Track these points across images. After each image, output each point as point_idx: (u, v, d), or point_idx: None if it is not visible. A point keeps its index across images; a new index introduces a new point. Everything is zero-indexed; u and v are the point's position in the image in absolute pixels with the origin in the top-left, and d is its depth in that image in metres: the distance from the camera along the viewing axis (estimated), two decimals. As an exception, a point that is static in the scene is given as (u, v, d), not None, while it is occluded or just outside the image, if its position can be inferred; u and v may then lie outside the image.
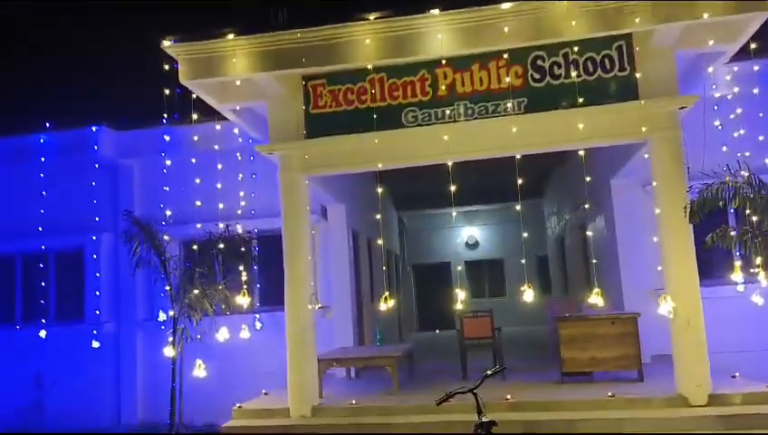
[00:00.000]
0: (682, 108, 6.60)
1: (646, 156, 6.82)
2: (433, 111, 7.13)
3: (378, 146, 7.16)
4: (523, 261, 7.09)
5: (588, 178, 6.62)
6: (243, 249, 8.61)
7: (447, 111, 7.09)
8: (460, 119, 7.05)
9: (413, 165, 7.53)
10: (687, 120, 6.97)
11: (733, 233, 5.52)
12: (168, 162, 8.91)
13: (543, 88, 6.93)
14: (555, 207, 16.58)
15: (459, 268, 21.79)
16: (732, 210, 7.04)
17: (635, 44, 6.78)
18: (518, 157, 6.99)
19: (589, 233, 11.84)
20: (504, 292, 21.10)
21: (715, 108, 8.02)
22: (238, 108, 7.86)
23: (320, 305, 7.02)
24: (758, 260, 5.48)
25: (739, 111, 7.19)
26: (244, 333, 8.08)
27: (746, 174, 5.46)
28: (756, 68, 7.74)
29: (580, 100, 6.68)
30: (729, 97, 8.17)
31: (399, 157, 7.35)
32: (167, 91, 7.41)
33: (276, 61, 6.78)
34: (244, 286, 7.55)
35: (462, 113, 7.07)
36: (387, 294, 6.26)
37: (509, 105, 6.93)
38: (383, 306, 6.13)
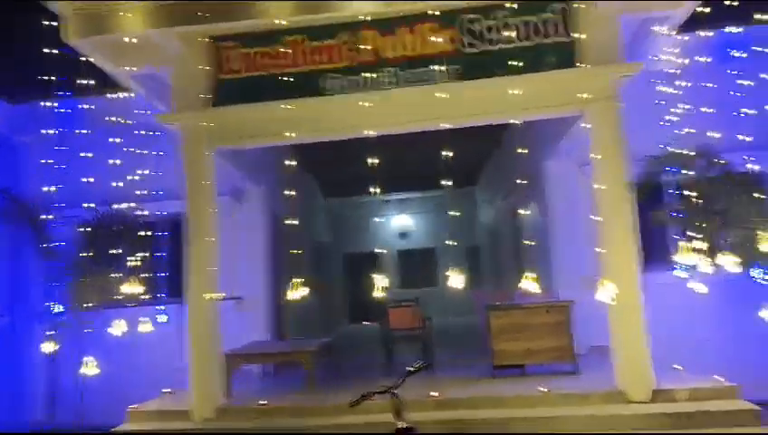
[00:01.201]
0: (625, 76, 6.15)
1: (586, 126, 6.33)
2: (357, 78, 6.47)
3: (295, 116, 6.47)
4: (451, 243, 6.45)
5: (523, 151, 6.10)
6: (144, 234, 7.75)
7: (373, 78, 6.45)
8: (387, 87, 6.42)
9: (335, 138, 6.86)
10: (628, 94, 6.55)
11: (674, 214, 5.07)
12: (64, 138, 7.92)
13: (478, 54, 6.38)
14: (489, 195, 16.23)
15: (380, 252, 21.22)
16: (671, 190, 6.65)
17: (576, 7, 6.30)
18: (449, 127, 6.39)
19: (521, 218, 11.47)
20: (437, 282, 20.71)
21: (657, 80, 7.69)
22: (138, 73, 6.96)
23: (223, 296, 6.24)
24: (704, 245, 5.05)
25: (684, 84, 6.79)
26: (145, 326, 7.24)
27: (693, 153, 5.01)
28: (704, 35, 7.41)
29: (518, 66, 6.14)
30: (673, 71, 7.86)
31: (320, 128, 6.66)
32: (61, 60, 6.47)
33: (176, 16, 5.97)
34: (140, 274, 6.75)
35: (389, 81, 6.44)
36: (296, 281, 5.57)
37: (441, 71, 6.33)
38: (291, 295, 5.43)
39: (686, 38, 7.23)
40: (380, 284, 5.45)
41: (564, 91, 6.26)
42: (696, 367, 7.00)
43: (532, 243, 9.46)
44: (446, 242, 19.50)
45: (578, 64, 6.22)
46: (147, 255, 7.67)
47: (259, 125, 6.63)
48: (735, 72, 7.87)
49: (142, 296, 6.90)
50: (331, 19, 6.43)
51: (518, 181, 11.34)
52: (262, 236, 9.61)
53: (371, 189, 6.16)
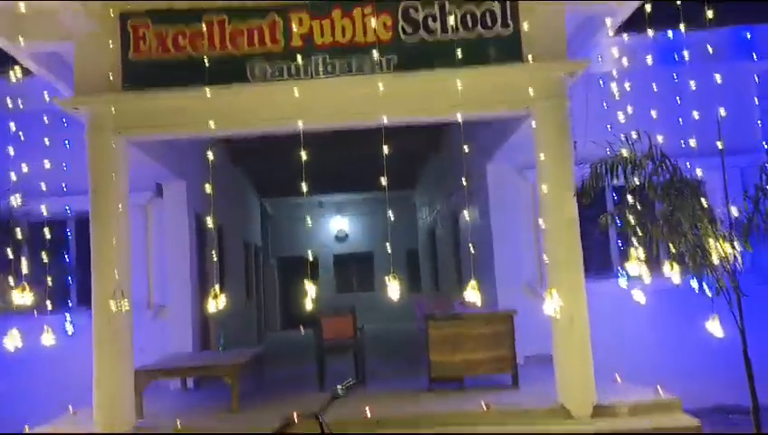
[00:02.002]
0: (570, 74, 5.83)
1: (532, 124, 5.96)
2: (285, 65, 5.94)
3: (215, 104, 5.88)
4: (389, 247, 5.97)
5: (464, 153, 5.71)
6: (45, 233, 6.98)
7: (303, 66, 5.92)
8: (318, 75, 5.91)
9: (260, 131, 6.33)
10: (570, 94, 6.24)
11: (630, 217, 4.72)
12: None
13: (416, 44, 5.94)
14: (427, 198, 15.89)
15: (315, 255, 20.64)
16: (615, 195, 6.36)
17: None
18: (384, 122, 5.91)
19: (461, 223, 11.13)
20: (373, 286, 20.28)
21: (600, 82, 7.44)
22: (39, 51, 6.23)
23: (126, 305, 5.59)
24: (644, 253, 4.71)
25: (628, 85, 6.51)
26: (47, 338, 6.48)
27: (639, 156, 4.67)
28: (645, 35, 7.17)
29: (459, 59, 5.72)
30: (614, 72, 7.63)
31: (243, 119, 6.09)
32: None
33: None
34: (42, 279, 6.01)
35: (320, 69, 5.93)
36: (216, 288, 4.98)
37: (376, 61, 5.86)
38: (212, 305, 4.85)
39: (626, 37, 6.97)
40: (311, 293, 4.90)
41: (509, 87, 5.90)
42: (638, 377, 6.76)
43: (472, 249, 9.11)
44: (385, 245, 19.14)
45: (521, 59, 5.87)
46: (47, 257, 6.92)
47: (175, 113, 6.01)
48: (677, 76, 7.71)
49: (42, 305, 6.17)
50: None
51: (458, 184, 11.02)
52: (186, 236, 8.94)
53: (307, 190, 5.65)
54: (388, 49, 5.92)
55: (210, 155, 5.70)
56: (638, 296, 5.87)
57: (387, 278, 4.69)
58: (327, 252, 21.72)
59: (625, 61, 6.82)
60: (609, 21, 6.23)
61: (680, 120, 6.26)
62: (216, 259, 10.81)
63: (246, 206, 15.81)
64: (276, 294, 20.49)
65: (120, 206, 5.91)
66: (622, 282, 7.34)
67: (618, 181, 4.88)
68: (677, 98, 7.35)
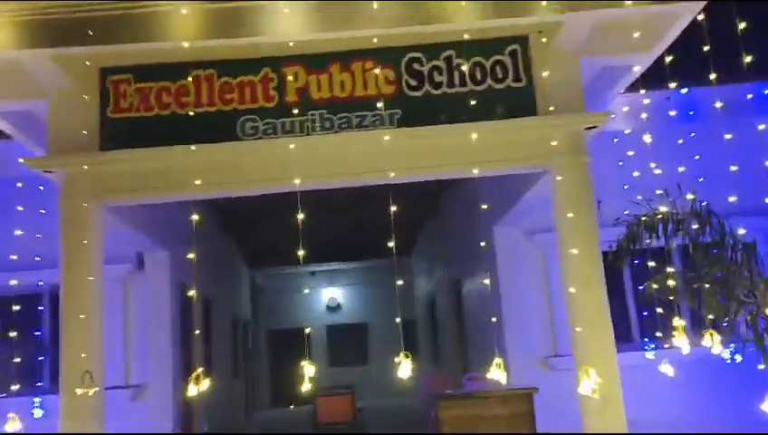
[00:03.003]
0: (590, 128, 5.41)
1: (546, 183, 5.51)
2: (279, 122, 5.49)
3: (202, 164, 5.41)
4: (398, 320, 5.38)
5: (483, 206, 5.25)
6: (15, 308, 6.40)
7: (298, 123, 5.49)
8: (315, 132, 5.47)
9: (252, 192, 5.82)
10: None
11: (670, 282, 4.21)
12: None
13: (421, 98, 5.53)
14: (426, 266, 15.35)
15: (307, 329, 19.91)
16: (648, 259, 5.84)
17: (532, 49, 5.59)
18: (386, 181, 5.45)
19: (465, 293, 10.59)
20: (367, 360, 19.51)
21: (616, 141, 7.09)
22: (9, 109, 5.78)
23: (94, 389, 4.95)
24: (708, 316, 4.20)
25: (648, 139, 6.10)
26: (13, 424, 5.80)
27: (690, 199, 4.20)
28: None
29: (467, 114, 5.31)
30: (626, 132, 7.28)
31: (233, 181, 5.59)
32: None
33: (48, 34, 4.90)
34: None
35: (317, 126, 5.49)
36: (200, 371, 4.39)
37: (378, 116, 5.45)
38: (193, 389, 4.25)
39: (643, 91, 6.63)
40: (308, 372, 4.32)
41: (524, 143, 5.46)
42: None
43: (476, 323, 8.55)
44: (379, 316, 18.41)
45: (536, 113, 5.47)
46: (17, 334, 6.36)
47: (157, 175, 5.51)
48: (694, 134, 7.37)
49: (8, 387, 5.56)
50: (247, 52, 5.51)
51: (460, 251, 10.53)
52: (167, 311, 8.35)
53: (298, 259, 5.16)
54: (392, 103, 5.50)
55: (196, 222, 5.17)
56: (667, 370, 5.33)
57: (398, 357, 4.12)
58: (319, 324, 21.03)
59: (644, 116, 6.47)
60: (624, 74, 5.91)
61: (701, 179, 5.85)
62: (200, 335, 10.18)
63: (236, 278, 15.22)
64: (266, 370, 19.65)
65: (92, 278, 5.34)
66: (649, 354, 6.83)
67: (655, 242, 4.39)
68: (697, 157, 7.01)
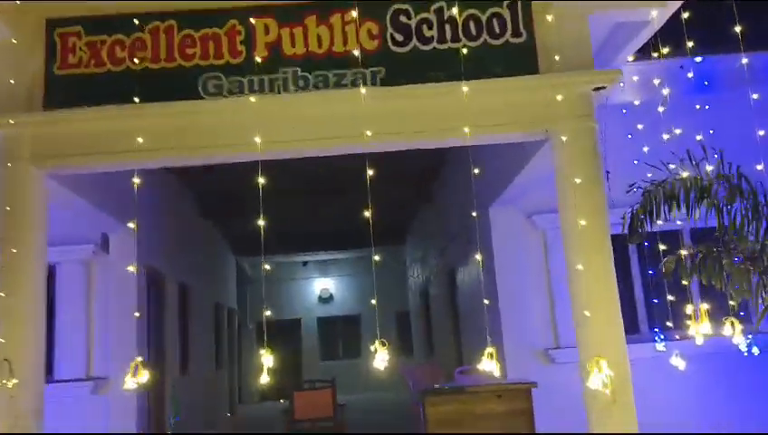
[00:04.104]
0: (598, 89, 4.83)
1: (548, 153, 4.94)
2: (247, 80, 4.91)
3: (160, 127, 4.85)
4: (374, 303, 4.82)
5: (476, 171, 4.70)
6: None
7: (268, 81, 4.91)
8: (287, 92, 4.89)
9: (215, 159, 5.24)
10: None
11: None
12: None
13: (408, 54, 4.95)
14: (420, 254, 14.79)
15: (297, 320, 19.47)
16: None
17: (533, 1, 5.01)
18: (369, 149, 4.87)
19: (459, 281, 10.03)
20: (360, 353, 19.01)
21: (624, 111, 6.52)
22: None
23: (13, 381, 4.34)
24: (734, 299, 3.62)
25: (661, 109, 5.50)
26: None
27: (717, 163, 3.60)
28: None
29: (460, 71, 4.73)
30: (636, 103, 6.70)
31: (193, 145, 4.99)
32: None
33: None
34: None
35: (290, 84, 4.91)
36: (139, 360, 3.83)
37: (359, 74, 4.87)
38: (131, 383, 3.70)
39: (661, 52, 6.04)
40: (267, 364, 3.76)
41: (523, 105, 4.88)
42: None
43: (470, 312, 8.00)
44: (372, 309, 17.91)
45: (537, 71, 4.90)
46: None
47: (108, 138, 4.91)
48: (708, 107, 6.80)
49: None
50: (212, 2, 4.93)
51: (454, 236, 9.97)
52: (134, 296, 7.77)
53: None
54: (375, 61, 4.92)
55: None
56: (678, 363, 4.77)
57: (373, 345, 3.57)
58: (310, 315, 20.51)
59: (657, 82, 5.88)
60: (638, 32, 5.33)
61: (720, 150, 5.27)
62: (176, 324, 9.63)
63: (219, 265, 14.64)
64: (254, 363, 19.10)
65: (35, 255, 4.76)
66: (659, 346, 6.28)
67: (677, 213, 3.81)
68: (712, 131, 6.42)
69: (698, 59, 6.91)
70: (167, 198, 9.42)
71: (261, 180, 4.43)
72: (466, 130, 4.67)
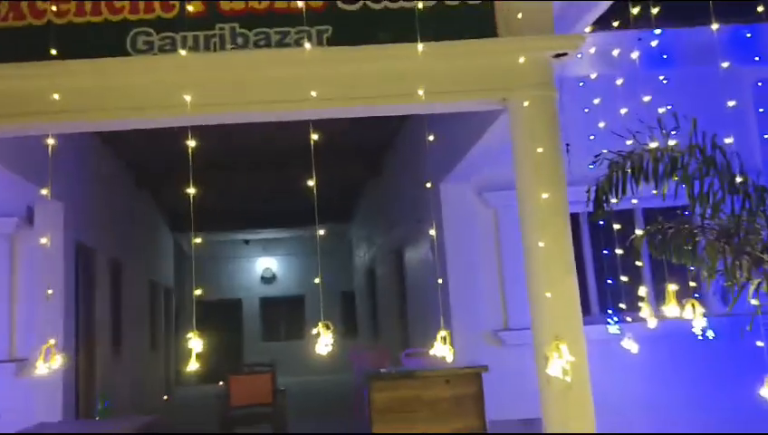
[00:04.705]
0: (559, 55, 4.60)
1: (505, 127, 4.69)
2: (180, 36, 4.49)
3: (82, 85, 4.39)
4: (317, 279, 4.52)
5: (431, 138, 4.41)
6: None
7: (203, 38, 4.50)
8: (225, 48, 4.49)
9: (142, 123, 4.79)
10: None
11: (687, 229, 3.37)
12: None
13: (357, 13, 4.61)
14: (366, 232, 14.52)
15: (238, 299, 19.07)
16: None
17: (491, -40, 4.72)
18: (312, 115, 4.53)
19: (407, 260, 9.80)
20: (303, 335, 18.68)
21: (581, 84, 6.31)
22: None
23: None
24: (706, 277, 3.44)
25: (620, 81, 5.30)
26: None
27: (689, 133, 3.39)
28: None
29: (411, 32, 4.41)
30: (592, 77, 6.51)
31: (120, 106, 4.55)
32: None
33: None
34: None
35: (227, 41, 4.52)
36: (51, 343, 3.45)
37: (302, 33, 4.50)
38: (42, 368, 3.33)
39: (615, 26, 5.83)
40: (196, 348, 3.42)
41: (479, 70, 4.61)
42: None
43: (417, 293, 7.77)
44: (317, 289, 17.62)
45: (495, 34, 4.64)
46: None
47: (27, 98, 4.43)
48: (666, 80, 6.66)
49: None
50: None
51: (402, 214, 9.71)
52: (62, 272, 7.26)
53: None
54: (321, 19, 4.57)
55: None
56: (630, 346, 4.62)
57: (316, 328, 3.27)
58: (252, 295, 20.06)
59: (615, 53, 5.67)
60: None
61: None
62: (107, 301, 9.14)
63: (155, 240, 14.07)
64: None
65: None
66: (612, 328, 6.15)
67: (645, 186, 3.60)
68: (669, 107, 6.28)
69: (658, 31, 6.76)
70: (98, 166, 8.88)
71: (191, 144, 4.02)
72: (420, 93, 4.37)
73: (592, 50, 6.83)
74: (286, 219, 15.86)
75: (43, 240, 6.49)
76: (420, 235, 8.57)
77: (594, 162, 3.88)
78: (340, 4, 4.61)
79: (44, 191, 4.44)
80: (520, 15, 4.59)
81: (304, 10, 4.43)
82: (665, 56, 6.96)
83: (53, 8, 4.43)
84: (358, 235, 16.03)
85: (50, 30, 4.44)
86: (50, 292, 6.80)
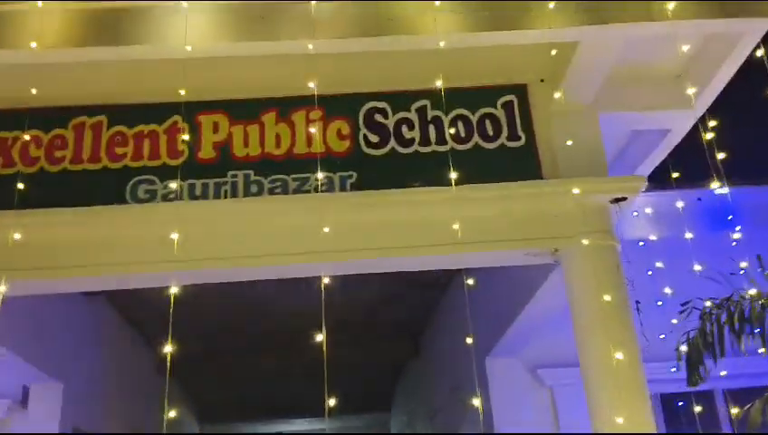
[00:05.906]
0: (618, 200, 4.05)
1: (555, 282, 4.05)
2: (187, 183, 4.12)
3: (74, 238, 3.97)
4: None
5: (470, 282, 3.75)
6: None
7: (213, 186, 4.12)
8: (237, 196, 4.09)
9: (143, 282, 4.30)
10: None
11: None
12: None
13: (384, 158, 4.22)
14: (407, 419, 13.39)
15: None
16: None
17: (532, 100, 4.37)
18: (334, 270, 4.00)
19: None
20: None
21: (641, 244, 5.72)
22: None
23: None
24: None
25: (689, 235, 4.66)
26: None
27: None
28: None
29: (445, 180, 3.93)
30: (652, 238, 5.91)
31: (117, 261, 4.06)
32: None
33: None
34: None
35: (241, 189, 4.12)
36: None
37: (325, 180, 4.09)
38: None
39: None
40: None
41: (519, 220, 4.07)
42: None
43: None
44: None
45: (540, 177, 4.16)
46: None
47: (17, 252, 3.99)
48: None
49: None
50: (152, 94, 4.26)
51: (446, 397, 8.83)
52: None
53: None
54: (345, 164, 4.19)
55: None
56: None
57: None
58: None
59: (679, 205, 5.10)
60: (660, 142, 4.68)
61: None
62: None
63: (175, 430, 13.12)
64: None
65: None
66: None
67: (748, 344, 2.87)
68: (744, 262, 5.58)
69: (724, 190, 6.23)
70: (113, 344, 8.35)
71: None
72: (457, 252, 3.82)
73: (648, 210, 6.35)
74: (315, 409, 14.90)
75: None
76: (465, 422, 7.62)
77: (682, 311, 3.18)
78: (365, 149, 4.24)
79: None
80: (565, 164, 4.12)
81: (326, 156, 4.06)
82: (730, 217, 6.40)
83: (64, 165, 4.13)
84: (398, 423, 14.84)
85: (40, 179, 4.12)
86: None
